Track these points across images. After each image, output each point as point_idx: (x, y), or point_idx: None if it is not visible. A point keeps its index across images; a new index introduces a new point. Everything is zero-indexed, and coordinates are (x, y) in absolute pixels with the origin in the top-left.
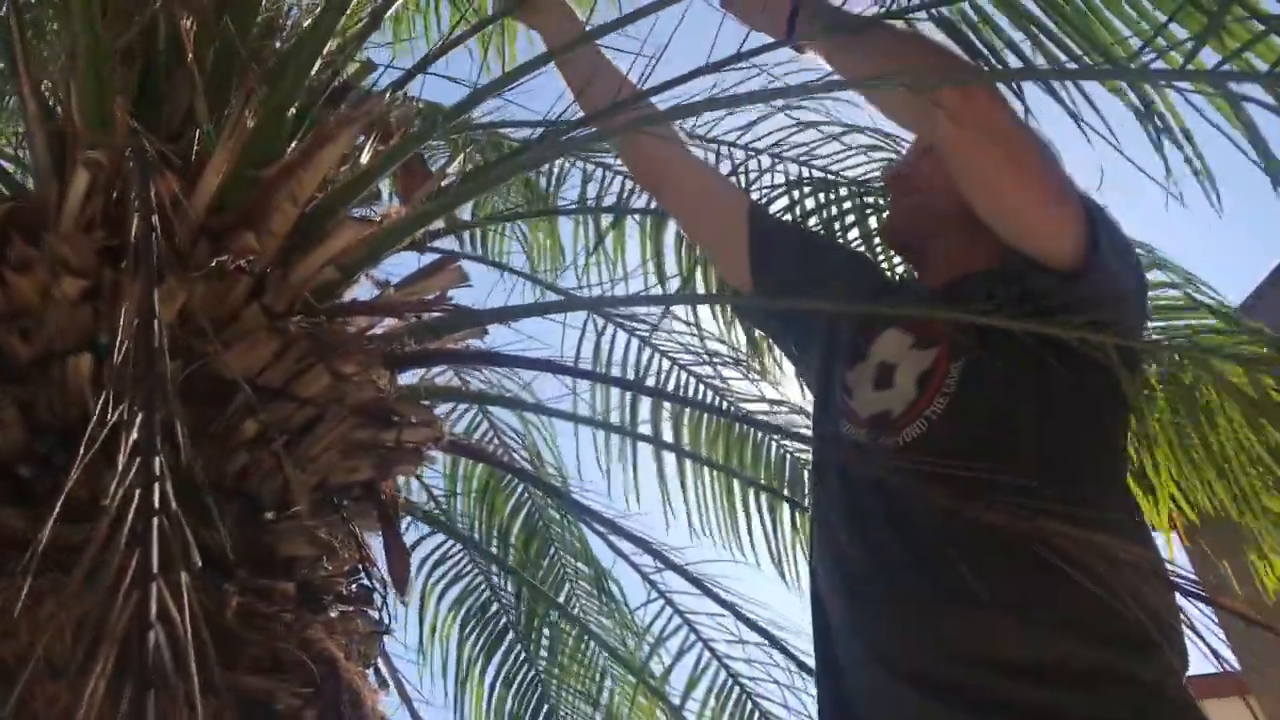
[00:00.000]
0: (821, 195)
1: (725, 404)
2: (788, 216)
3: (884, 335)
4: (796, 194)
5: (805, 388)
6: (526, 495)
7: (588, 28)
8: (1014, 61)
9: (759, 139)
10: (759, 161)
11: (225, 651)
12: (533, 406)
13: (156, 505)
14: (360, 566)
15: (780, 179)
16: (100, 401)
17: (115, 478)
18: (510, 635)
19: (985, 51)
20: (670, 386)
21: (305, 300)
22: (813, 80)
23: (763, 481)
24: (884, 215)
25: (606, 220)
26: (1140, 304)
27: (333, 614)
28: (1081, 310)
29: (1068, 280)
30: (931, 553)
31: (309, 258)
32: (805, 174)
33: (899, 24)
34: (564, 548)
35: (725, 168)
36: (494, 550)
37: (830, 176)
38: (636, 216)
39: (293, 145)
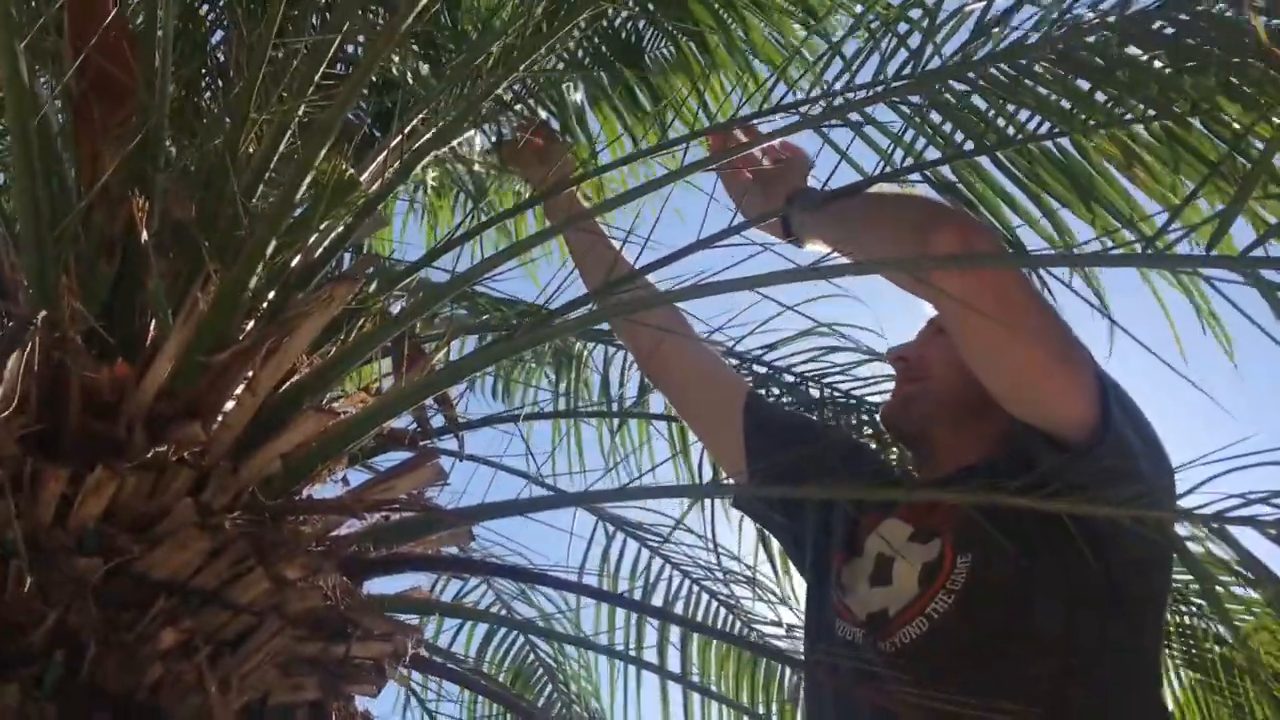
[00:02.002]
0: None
1: (738, 625)
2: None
3: (881, 527)
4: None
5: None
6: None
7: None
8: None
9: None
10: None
11: None
12: (530, 628)
13: None
14: None
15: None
16: None
17: None
18: None
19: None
20: (682, 601)
21: (251, 497)
22: (800, 268)
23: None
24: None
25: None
26: (1168, 491)
27: None
28: (1097, 489)
29: (1080, 456)
30: None
31: (262, 451)
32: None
33: (891, 188)
34: None
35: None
36: None
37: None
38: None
39: (248, 330)
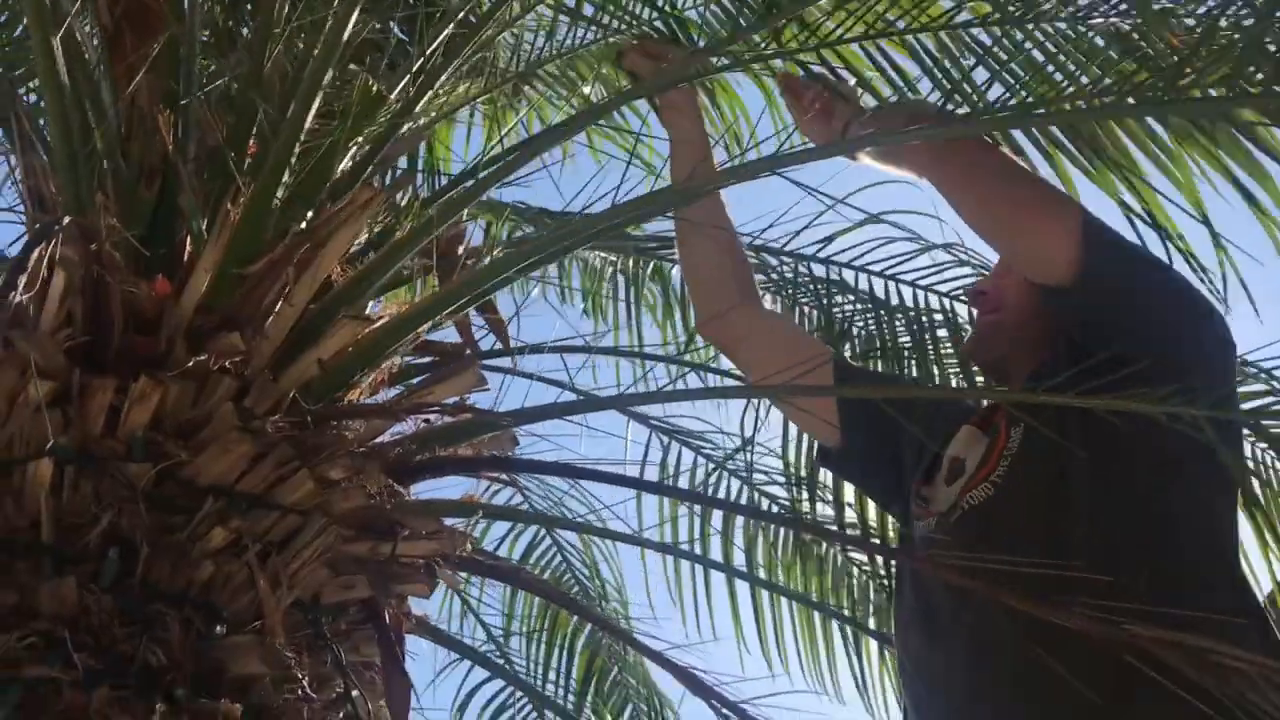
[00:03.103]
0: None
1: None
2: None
3: (956, 436)
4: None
5: None
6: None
7: None
8: None
9: (841, 252)
10: (841, 275)
11: None
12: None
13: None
14: (347, 694)
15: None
16: (54, 507)
17: (48, 586)
18: None
19: None
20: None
21: (292, 404)
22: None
23: (846, 611)
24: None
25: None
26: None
27: None
28: (1096, 320)
29: (1069, 291)
30: (1006, 668)
31: (301, 359)
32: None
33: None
34: (628, 671)
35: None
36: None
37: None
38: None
39: (284, 242)
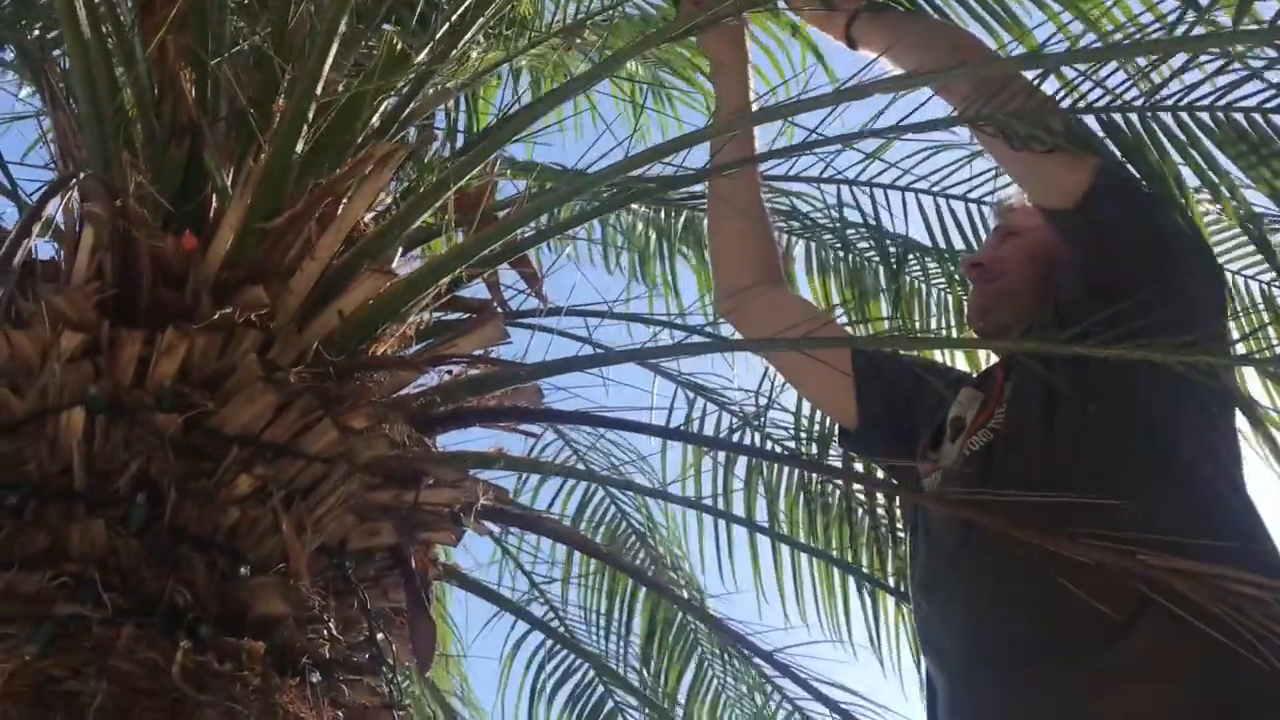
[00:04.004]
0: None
1: (822, 485)
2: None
3: (956, 400)
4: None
5: None
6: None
7: None
8: None
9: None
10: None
11: (173, 713)
12: (606, 479)
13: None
14: (372, 636)
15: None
16: (86, 455)
17: (78, 529)
18: None
19: None
20: (766, 465)
21: (316, 355)
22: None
23: (864, 567)
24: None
25: None
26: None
27: (314, 680)
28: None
29: (1071, 216)
30: (1013, 616)
31: (325, 312)
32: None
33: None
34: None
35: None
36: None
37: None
38: None
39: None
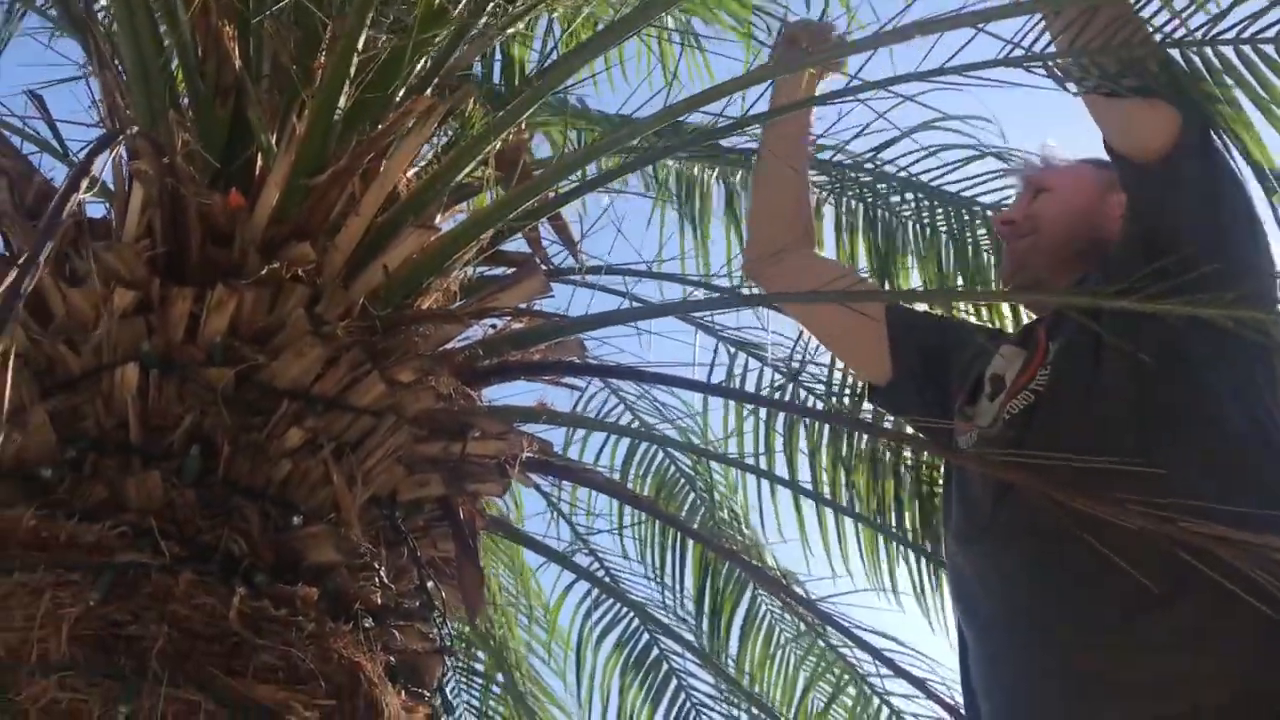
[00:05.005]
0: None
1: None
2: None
3: (996, 356)
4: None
5: None
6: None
7: None
8: None
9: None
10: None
11: (230, 656)
12: (650, 436)
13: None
14: (422, 584)
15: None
16: (140, 410)
17: (135, 480)
18: (674, 684)
19: None
20: (804, 423)
21: (363, 310)
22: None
23: (907, 524)
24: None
25: None
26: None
27: (367, 625)
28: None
29: (1150, 169)
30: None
31: (370, 267)
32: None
33: None
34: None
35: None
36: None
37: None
38: None
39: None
